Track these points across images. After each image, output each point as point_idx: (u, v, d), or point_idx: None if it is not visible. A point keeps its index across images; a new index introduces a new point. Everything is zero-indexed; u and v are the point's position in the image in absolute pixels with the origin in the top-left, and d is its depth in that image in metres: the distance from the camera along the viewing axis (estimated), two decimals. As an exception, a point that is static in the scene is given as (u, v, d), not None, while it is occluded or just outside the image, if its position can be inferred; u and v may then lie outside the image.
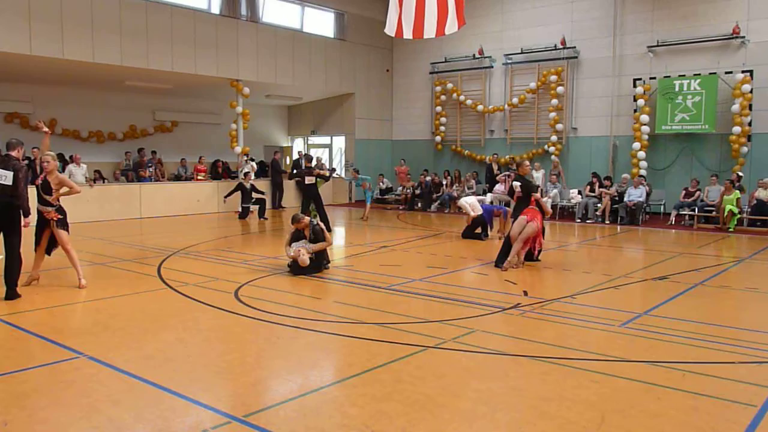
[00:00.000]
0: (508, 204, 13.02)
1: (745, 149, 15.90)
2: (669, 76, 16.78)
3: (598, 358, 5.14)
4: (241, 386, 4.62)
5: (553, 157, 18.56)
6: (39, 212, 7.58)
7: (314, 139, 24.44)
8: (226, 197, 17.13)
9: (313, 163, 15.46)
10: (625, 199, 15.78)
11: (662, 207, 16.80)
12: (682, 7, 16.79)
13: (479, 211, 12.67)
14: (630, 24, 17.58)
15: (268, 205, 17.81)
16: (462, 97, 20.66)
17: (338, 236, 14.28)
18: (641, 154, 17.17)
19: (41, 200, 7.54)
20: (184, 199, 17.44)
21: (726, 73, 16.06)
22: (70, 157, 16.28)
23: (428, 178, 19.78)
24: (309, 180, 13.70)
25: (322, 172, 14.55)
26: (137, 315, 6.62)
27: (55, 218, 7.53)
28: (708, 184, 15.48)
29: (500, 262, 9.39)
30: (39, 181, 7.62)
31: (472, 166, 20.49)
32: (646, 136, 17.16)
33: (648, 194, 16.00)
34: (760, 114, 15.72)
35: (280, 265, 9.48)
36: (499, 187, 15.38)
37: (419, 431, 3.83)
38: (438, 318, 6.48)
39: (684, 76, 16.53)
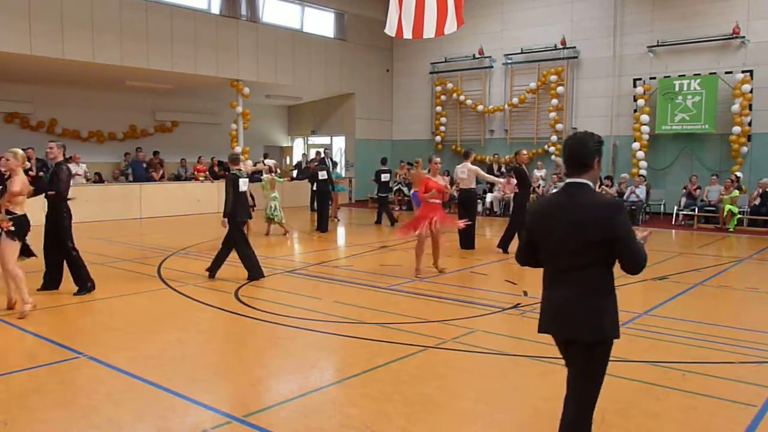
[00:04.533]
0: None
1: (744, 149, 15.89)
2: (669, 76, 16.76)
3: (598, 358, 5.13)
4: (241, 386, 4.62)
5: (554, 157, 18.54)
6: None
7: (314, 139, 24.43)
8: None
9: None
10: (625, 198, 15.81)
11: (662, 207, 16.79)
12: (682, 7, 16.77)
13: (471, 185, 11.31)
14: (630, 24, 17.57)
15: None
16: (462, 97, 20.65)
17: (338, 236, 14.29)
18: (640, 154, 17.16)
19: None
20: (184, 199, 17.42)
21: (726, 73, 16.05)
22: (70, 157, 16.26)
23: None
24: (321, 176, 14.31)
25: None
26: (137, 315, 6.62)
27: (5, 228, 6.28)
28: (708, 184, 15.49)
29: (502, 245, 10.48)
30: None
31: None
32: (646, 136, 17.14)
33: (647, 194, 16.02)
34: (760, 114, 15.71)
35: (280, 265, 9.48)
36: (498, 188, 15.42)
37: (419, 431, 3.83)
38: (438, 318, 6.48)
39: (684, 76, 16.52)
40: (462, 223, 9.34)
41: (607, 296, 2.99)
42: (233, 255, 10.36)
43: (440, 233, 8.75)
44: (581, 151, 3.02)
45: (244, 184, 8.53)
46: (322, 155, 19.43)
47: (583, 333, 2.98)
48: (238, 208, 8.35)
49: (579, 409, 3.20)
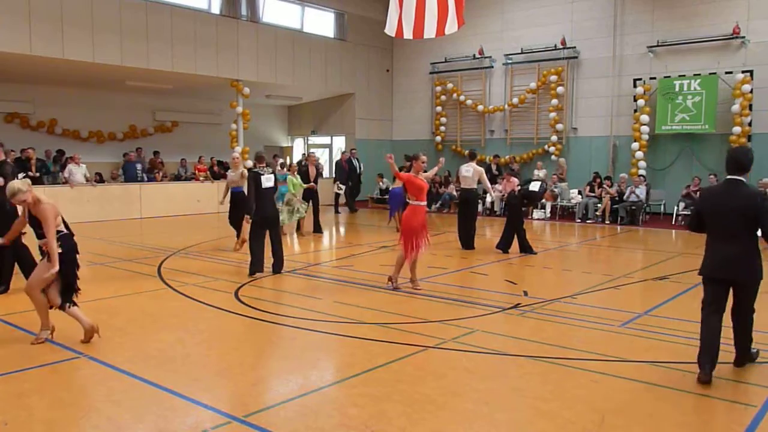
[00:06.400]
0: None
1: (745, 149, 15.87)
2: (669, 76, 16.75)
3: (598, 358, 5.14)
4: (241, 386, 4.62)
5: (554, 157, 18.50)
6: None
7: (314, 139, 24.42)
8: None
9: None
10: (625, 198, 15.81)
11: (662, 207, 16.78)
12: (682, 7, 16.77)
13: (473, 185, 11.15)
14: (630, 24, 17.57)
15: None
16: (462, 97, 20.64)
17: (338, 236, 14.28)
18: (639, 154, 17.16)
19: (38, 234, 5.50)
20: (184, 199, 17.42)
21: (726, 73, 16.05)
22: (71, 156, 16.28)
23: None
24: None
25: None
26: (137, 315, 6.62)
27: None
28: (707, 184, 15.47)
29: (501, 246, 10.75)
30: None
31: (472, 166, 20.47)
32: (646, 136, 17.14)
33: (647, 194, 16.02)
34: (760, 114, 15.70)
35: (280, 265, 9.46)
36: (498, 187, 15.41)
37: (419, 431, 3.83)
38: (438, 318, 6.48)
39: (684, 76, 16.52)
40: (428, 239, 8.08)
41: (757, 252, 4.61)
42: (238, 255, 10.37)
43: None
44: (744, 159, 4.80)
45: (268, 180, 8.57)
46: (348, 155, 19.50)
47: (745, 276, 4.60)
48: (263, 205, 8.48)
49: (745, 326, 4.77)
